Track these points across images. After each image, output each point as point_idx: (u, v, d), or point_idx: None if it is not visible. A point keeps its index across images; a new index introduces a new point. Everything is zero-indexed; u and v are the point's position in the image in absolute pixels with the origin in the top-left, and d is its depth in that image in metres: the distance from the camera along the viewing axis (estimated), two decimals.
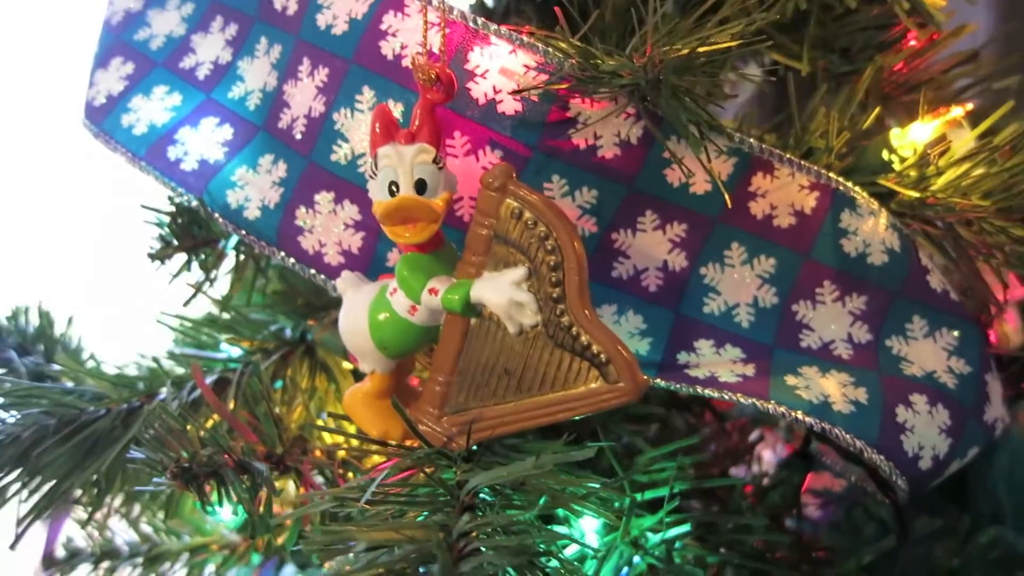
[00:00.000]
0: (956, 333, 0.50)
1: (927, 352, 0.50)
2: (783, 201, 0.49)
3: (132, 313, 0.77)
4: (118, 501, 0.58)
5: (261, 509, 0.44)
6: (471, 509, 0.38)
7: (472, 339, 0.41)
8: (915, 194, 0.50)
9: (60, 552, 0.67)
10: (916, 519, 0.48)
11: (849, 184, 0.49)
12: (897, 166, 0.53)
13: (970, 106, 0.54)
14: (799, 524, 0.59)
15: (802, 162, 0.49)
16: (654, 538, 0.48)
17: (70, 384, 0.59)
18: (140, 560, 0.67)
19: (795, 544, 0.51)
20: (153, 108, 0.56)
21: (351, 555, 0.33)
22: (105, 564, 0.66)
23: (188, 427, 0.44)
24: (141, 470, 0.51)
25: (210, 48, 0.57)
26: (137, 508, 0.66)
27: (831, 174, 0.49)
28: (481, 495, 0.38)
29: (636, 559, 0.49)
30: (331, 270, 0.48)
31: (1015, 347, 0.60)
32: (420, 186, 0.40)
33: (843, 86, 0.66)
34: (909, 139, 0.53)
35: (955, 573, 0.47)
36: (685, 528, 0.46)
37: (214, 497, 0.44)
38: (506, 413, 0.41)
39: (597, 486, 0.38)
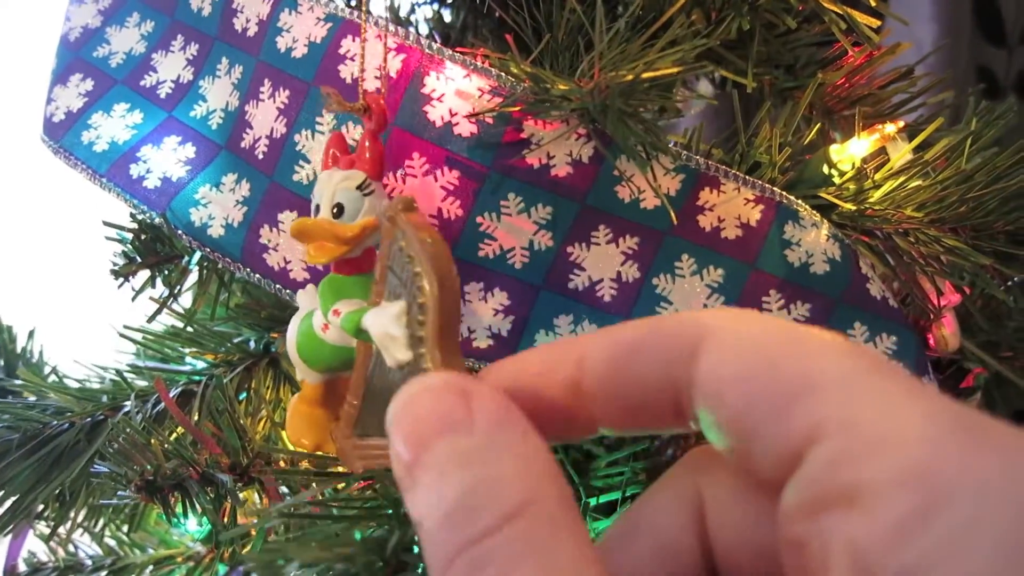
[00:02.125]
0: (895, 338, 0.53)
1: None
2: (730, 214, 0.51)
3: (93, 327, 0.77)
4: (82, 515, 0.58)
5: (225, 520, 0.45)
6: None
7: (373, 368, 0.41)
8: (853, 207, 0.53)
9: (22, 567, 0.66)
10: None
11: (791, 197, 0.52)
12: (837, 180, 0.55)
13: (902, 123, 0.57)
14: None
15: (747, 176, 0.51)
16: None
17: (32, 399, 0.59)
18: (104, 573, 0.67)
19: None
20: (114, 125, 0.56)
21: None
22: None
23: (152, 440, 0.45)
24: (106, 483, 0.52)
25: (171, 67, 0.57)
26: (101, 522, 0.66)
27: (774, 188, 0.52)
28: None
29: None
30: (297, 285, 0.50)
31: (952, 350, 0.63)
32: (339, 210, 0.41)
33: (788, 101, 0.69)
34: (848, 154, 0.56)
35: None
36: None
37: (179, 509, 0.45)
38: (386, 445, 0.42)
39: None
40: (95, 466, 0.47)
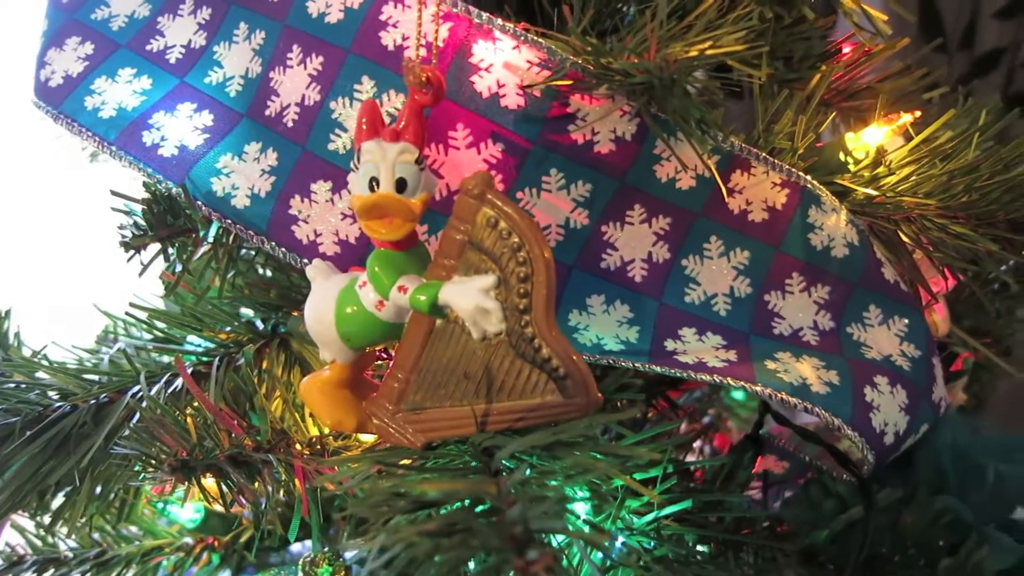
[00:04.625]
0: (906, 320, 0.55)
1: (883, 338, 0.54)
2: (758, 197, 0.52)
3: (67, 308, 0.73)
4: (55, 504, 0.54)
5: (266, 502, 0.43)
6: (497, 474, 0.38)
7: (435, 340, 0.41)
8: (872, 192, 0.54)
9: None
10: (878, 491, 0.52)
11: (815, 183, 0.53)
12: (852, 167, 0.57)
13: (918, 113, 0.59)
14: (753, 503, 0.63)
15: (776, 161, 0.52)
16: (640, 520, 0.50)
17: (12, 384, 0.56)
18: (88, 567, 0.63)
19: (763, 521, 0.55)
20: (120, 91, 0.53)
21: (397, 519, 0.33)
22: (49, 572, 0.63)
23: (187, 418, 0.42)
24: (111, 469, 0.50)
25: (180, 31, 0.55)
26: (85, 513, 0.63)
27: (800, 172, 0.53)
28: (504, 463, 0.39)
29: (622, 540, 0.51)
30: (326, 260, 0.48)
31: (942, 335, 0.66)
32: (400, 185, 0.41)
33: (783, 92, 0.71)
34: (862, 142, 0.58)
35: (916, 536, 0.51)
36: (684, 504, 0.48)
37: (215, 490, 0.43)
38: (461, 416, 0.42)
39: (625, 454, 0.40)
40: (113, 447, 0.44)
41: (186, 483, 0.42)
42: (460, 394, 0.41)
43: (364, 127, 0.41)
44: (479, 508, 0.33)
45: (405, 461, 0.39)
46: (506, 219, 0.39)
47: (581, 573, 0.49)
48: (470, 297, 0.39)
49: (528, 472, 0.37)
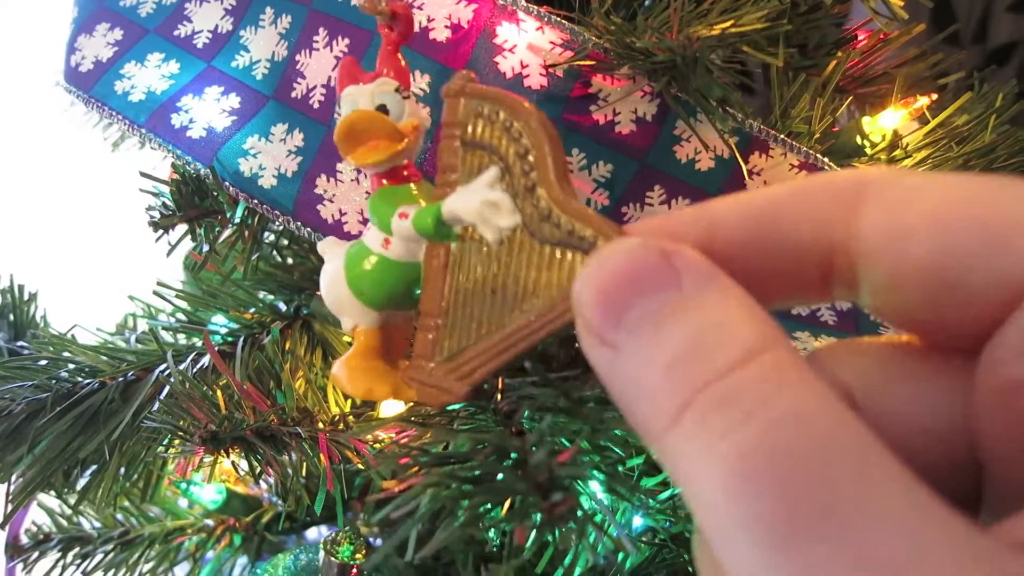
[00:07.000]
0: None
1: None
2: (776, 179, 0.53)
3: (87, 289, 0.74)
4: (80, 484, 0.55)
5: (293, 474, 0.44)
6: (520, 435, 0.39)
7: (454, 269, 0.36)
8: None
9: (25, 539, 0.63)
10: None
11: (832, 164, 0.54)
12: (868, 150, 0.57)
13: (935, 96, 0.59)
14: None
15: (793, 143, 0.53)
16: (656, 498, 0.51)
17: (43, 362, 0.57)
18: (112, 546, 0.64)
19: None
20: (149, 75, 0.54)
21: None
22: (75, 550, 0.64)
23: (217, 392, 0.43)
24: (141, 444, 0.51)
25: (207, 17, 0.56)
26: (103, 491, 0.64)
27: (818, 155, 0.53)
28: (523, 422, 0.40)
29: (639, 519, 0.52)
30: (351, 239, 0.49)
31: None
32: (381, 111, 0.38)
33: (799, 77, 0.71)
34: (879, 126, 0.58)
35: None
36: None
37: (243, 464, 0.44)
38: (497, 341, 0.35)
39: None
40: (145, 421, 0.45)
41: (215, 455, 0.43)
42: (490, 315, 0.36)
43: (343, 79, 0.39)
44: (504, 463, 0.34)
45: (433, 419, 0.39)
46: (490, 100, 0.34)
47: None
48: (474, 196, 0.34)
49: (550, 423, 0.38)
